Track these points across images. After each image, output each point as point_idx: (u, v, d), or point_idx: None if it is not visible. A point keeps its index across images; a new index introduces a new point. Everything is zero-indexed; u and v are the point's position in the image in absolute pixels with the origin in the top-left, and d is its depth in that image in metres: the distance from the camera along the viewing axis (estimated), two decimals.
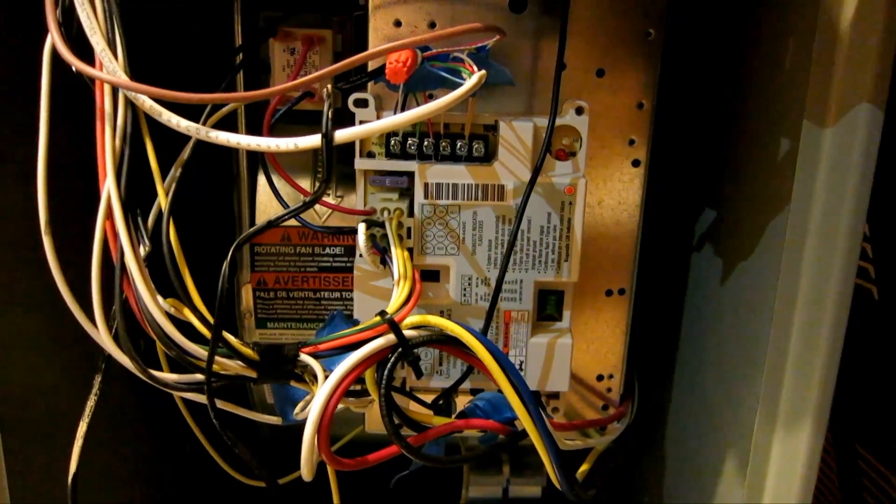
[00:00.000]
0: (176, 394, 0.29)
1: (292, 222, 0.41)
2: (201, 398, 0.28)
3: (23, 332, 0.34)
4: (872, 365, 0.42)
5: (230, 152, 0.44)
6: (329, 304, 0.45)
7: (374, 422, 0.40)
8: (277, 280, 0.45)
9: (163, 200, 0.28)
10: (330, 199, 0.44)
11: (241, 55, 0.36)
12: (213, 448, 0.39)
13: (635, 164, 0.37)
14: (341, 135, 0.27)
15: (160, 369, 0.31)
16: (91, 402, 0.30)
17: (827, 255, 0.31)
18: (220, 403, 0.30)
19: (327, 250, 0.44)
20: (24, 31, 0.31)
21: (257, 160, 0.43)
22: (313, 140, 0.26)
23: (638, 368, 0.44)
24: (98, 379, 0.29)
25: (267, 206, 0.45)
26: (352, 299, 0.43)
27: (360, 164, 0.35)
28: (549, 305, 0.38)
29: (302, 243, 0.44)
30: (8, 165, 0.32)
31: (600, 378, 0.41)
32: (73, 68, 0.27)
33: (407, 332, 0.30)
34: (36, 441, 0.33)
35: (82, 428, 0.29)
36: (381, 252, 0.34)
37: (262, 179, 0.44)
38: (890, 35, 0.28)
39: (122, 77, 0.27)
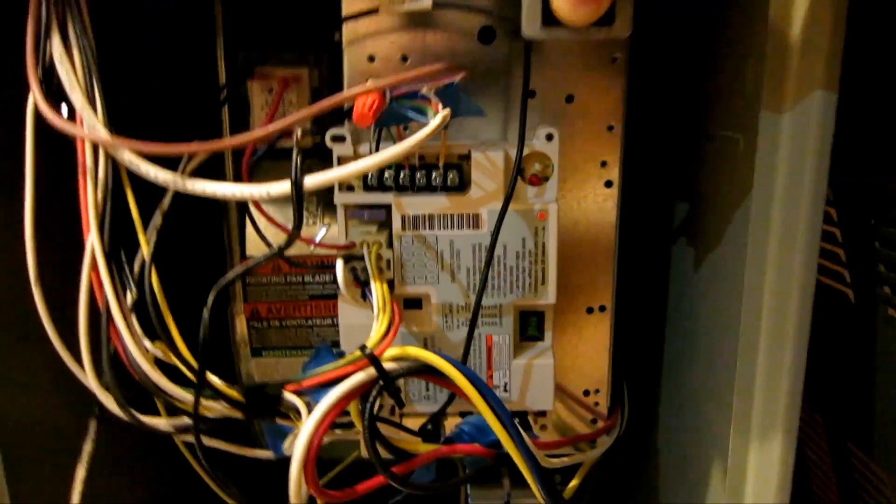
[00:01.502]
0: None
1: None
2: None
3: (26, 368, 0.35)
4: (855, 365, 0.43)
5: None
6: (321, 330, 0.47)
7: None
8: (270, 309, 0.46)
9: (145, 249, 0.29)
10: (318, 227, 0.45)
11: (223, 96, 0.37)
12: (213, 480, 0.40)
13: (608, 184, 0.38)
14: (311, 181, 0.28)
15: (156, 409, 0.32)
16: (88, 447, 0.31)
17: (788, 261, 0.32)
18: (212, 442, 0.31)
19: (317, 278, 0.46)
20: (5, 86, 0.32)
21: None
22: (283, 187, 0.27)
23: (627, 379, 0.44)
24: (93, 424, 0.31)
25: (257, 239, 0.46)
26: None
27: (340, 198, 0.36)
28: (530, 326, 0.38)
29: (292, 272, 0.46)
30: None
31: (587, 393, 0.42)
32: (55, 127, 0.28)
33: (387, 365, 0.31)
34: (39, 473, 0.34)
35: (81, 472, 0.31)
36: (363, 285, 0.35)
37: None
38: (835, 52, 0.29)
39: (102, 133, 0.28)
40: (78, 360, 0.29)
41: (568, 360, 0.41)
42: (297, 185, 0.27)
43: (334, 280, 0.45)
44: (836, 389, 0.45)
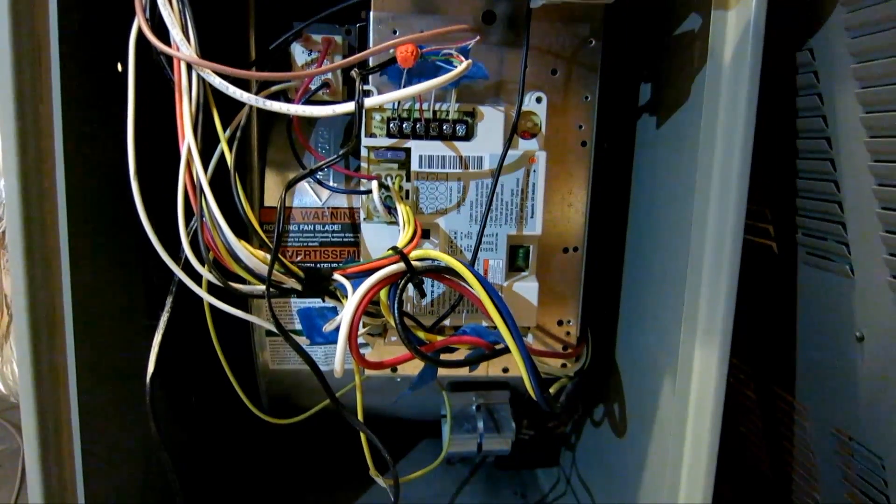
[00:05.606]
0: (235, 312, 0.36)
1: (297, 204, 0.50)
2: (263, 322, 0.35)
3: (99, 262, 0.40)
4: (775, 311, 0.52)
5: (246, 151, 0.52)
6: None
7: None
8: (283, 254, 0.52)
9: (228, 157, 0.35)
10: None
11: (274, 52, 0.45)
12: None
13: (583, 144, 0.47)
14: (370, 101, 0.35)
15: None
16: (164, 317, 0.36)
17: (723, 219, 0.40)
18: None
19: (327, 227, 0.52)
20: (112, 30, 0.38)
21: (265, 160, 0.52)
22: (348, 106, 0.35)
23: (591, 320, 0.52)
24: (170, 299, 0.36)
25: (273, 192, 0.53)
26: None
27: (367, 142, 0.43)
28: (518, 258, 0.46)
29: (304, 221, 0.52)
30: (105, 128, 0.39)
31: (560, 323, 0.50)
32: (158, 51, 0.34)
33: (413, 263, 0.38)
34: (108, 350, 0.39)
35: (157, 337, 0.36)
36: (387, 208, 0.42)
37: (268, 172, 0.52)
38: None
39: (195, 57, 0.35)
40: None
41: (545, 292, 0.48)
42: (360, 104, 0.35)
43: (342, 229, 0.52)
44: (763, 338, 0.54)
